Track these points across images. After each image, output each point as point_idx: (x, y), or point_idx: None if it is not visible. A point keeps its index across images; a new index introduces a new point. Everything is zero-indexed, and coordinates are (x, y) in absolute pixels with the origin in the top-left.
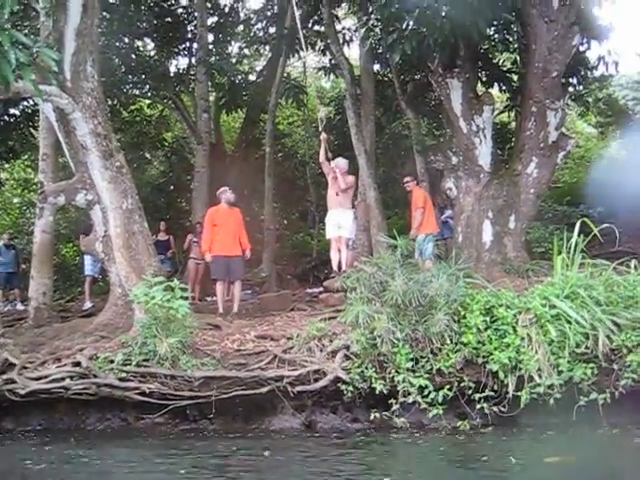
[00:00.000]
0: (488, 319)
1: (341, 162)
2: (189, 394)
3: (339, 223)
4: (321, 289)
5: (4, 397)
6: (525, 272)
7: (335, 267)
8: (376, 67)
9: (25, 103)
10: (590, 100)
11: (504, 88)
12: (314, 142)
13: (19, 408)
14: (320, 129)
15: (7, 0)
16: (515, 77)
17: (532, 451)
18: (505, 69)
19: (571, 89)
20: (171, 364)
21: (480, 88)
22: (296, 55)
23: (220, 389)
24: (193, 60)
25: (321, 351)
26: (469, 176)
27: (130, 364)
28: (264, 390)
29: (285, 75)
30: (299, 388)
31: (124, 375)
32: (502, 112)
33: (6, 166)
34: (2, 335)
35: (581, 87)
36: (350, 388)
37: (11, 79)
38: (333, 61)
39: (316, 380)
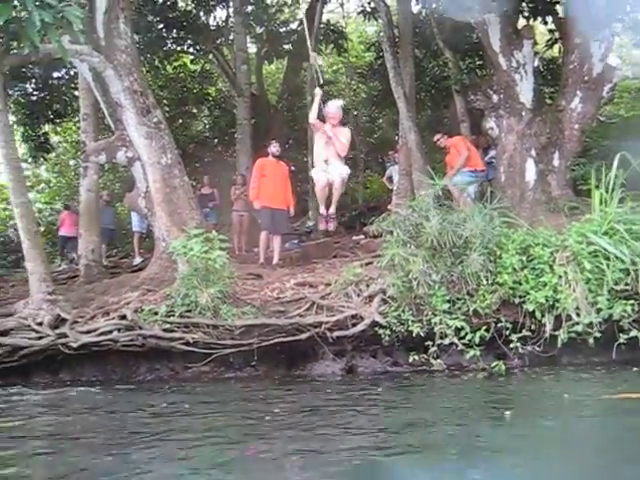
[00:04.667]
0: (524, 258)
1: (332, 107)
2: (231, 342)
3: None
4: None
5: (59, 351)
6: (570, 210)
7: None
8: (416, 8)
9: (67, 66)
10: None
11: (547, 20)
12: (360, 89)
13: (74, 361)
14: (315, 77)
15: None
16: (559, 8)
17: (580, 389)
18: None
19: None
20: (213, 314)
21: (522, 22)
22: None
23: (261, 337)
24: (231, 12)
25: (358, 296)
26: (510, 114)
27: (173, 315)
28: (304, 336)
29: (325, 21)
30: (337, 333)
31: (168, 326)
32: (548, 46)
33: (58, 129)
34: (54, 292)
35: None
36: (388, 332)
37: (37, 40)
38: (372, 4)
39: (354, 325)
